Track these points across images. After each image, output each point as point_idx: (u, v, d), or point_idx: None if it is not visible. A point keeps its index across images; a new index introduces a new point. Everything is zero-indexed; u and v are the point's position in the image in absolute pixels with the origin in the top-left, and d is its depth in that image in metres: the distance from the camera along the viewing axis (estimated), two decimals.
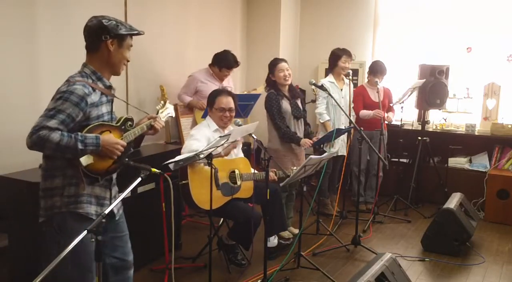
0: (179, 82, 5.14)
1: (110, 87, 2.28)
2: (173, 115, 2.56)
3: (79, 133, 2.08)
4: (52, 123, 2.02)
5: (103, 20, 2.18)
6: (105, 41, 2.18)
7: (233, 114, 3.62)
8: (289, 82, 4.12)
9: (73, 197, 2.16)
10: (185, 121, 5.05)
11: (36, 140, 1.99)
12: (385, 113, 4.97)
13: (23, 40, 3.66)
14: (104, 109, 2.24)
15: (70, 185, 2.16)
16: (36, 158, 3.50)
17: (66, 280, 2.15)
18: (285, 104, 4.10)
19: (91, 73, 2.21)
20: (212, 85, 4.61)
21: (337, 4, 6.18)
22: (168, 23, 4.98)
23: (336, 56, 4.75)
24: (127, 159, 2.30)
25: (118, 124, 2.28)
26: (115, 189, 2.38)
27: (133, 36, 2.29)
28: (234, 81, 5.29)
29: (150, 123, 2.37)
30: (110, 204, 2.26)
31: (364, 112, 4.95)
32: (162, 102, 2.54)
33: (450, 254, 3.99)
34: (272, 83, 4.15)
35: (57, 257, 1.66)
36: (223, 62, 4.64)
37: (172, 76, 5.08)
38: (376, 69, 4.95)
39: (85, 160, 2.13)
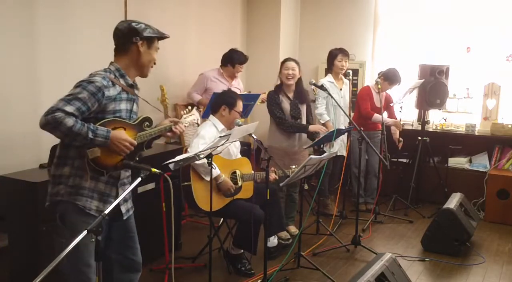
0: (179, 82, 5.15)
1: (132, 86, 2.34)
2: (198, 121, 2.61)
3: (92, 124, 2.13)
4: (69, 108, 2.07)
5: (133, 23, 2.29)
6: (135, 43, 2.27)
7: None
8: (290, 82, 4.11)
9: (75, 187, 2.20)
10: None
11: (50, 120, 2.04)
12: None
13: (23, 40, 3.66)
14: (123, 106, 2.28)
15: (76, 175, 2.20)
16: (36, 158, 3.53)
17: (64, 274, 2.19)
18: (285, 104, 4.11)
19: (115, 70, 2.29)
20: (221, 85, 4.71)
21: (337, 4, 6.18)
22: (168, 23, 4.97)
23: (332, 55, 4.77)
24: (137, 158, 2.32)
25: (135, 123, 2.31)
26: (123, 188, 2.37)
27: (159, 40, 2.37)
28: None
29: (170, 126, 2.40)
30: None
31: (379, 117, 4.87)
32: (190, 107, 2.59)
33: (450, 254, 3.99)
34: (280, 83, 4.20)
35: (57, 257, 1.66)
36: (236, 59, 4.84)
37: (172, 76, 5.09)
38: (393, 79, 4.93)
39: (92, 152, 2.15)
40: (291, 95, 4.16)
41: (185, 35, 5.25)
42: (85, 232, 1.77)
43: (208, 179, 3.29)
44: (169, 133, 2.43)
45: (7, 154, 3.53)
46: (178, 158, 2.86)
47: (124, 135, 2.20)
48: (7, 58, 3.57)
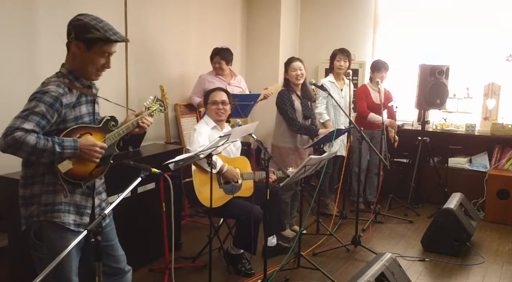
0: (179, 82, 5.15)
1: (89, 86, 2.18)
2: (164, 110, 2.41)
3: (56, 136, 1.99)
4: (28, 125, 1.92)
5: (76, 20, 2.10)
6: (71, 42, 2.09)
7: (227, 107, 3.65)
8: (300, 81, 4.17)
9: (49, 205, 2.06)
10: (185, 121, 5.06)
11: (11, 142, 1.89)
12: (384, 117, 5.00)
13: (23, 40, 3.66)
14: (84, 110, 2.13)
15: (48, 192, 2.07)
16: None
17: None
18: (297, 104, 4.14)
19: (68, 73, 2.11)
20: (218, 85, 4.68)
21: (337, 4, 6.18)
22: (168, 23, 4.98)
23: (333, 56, 4.83)
24: (111, 161, 2.20)
25: (100, 125, 2.17)
26: (100, 197, 2.27)
27: (120, 42, 2.15)
28: None
29: (137, 121, 2.25)
30: (92, 213, 2.20)
31: (374, 117, 4.92)
32: (152, 97, 2.39)
33: (450, 254, 3.99)
34: (286, 82, 4.22)
35: (51, 263, 1.62)
36: (210, 56, 4.88)
37: (172, 76, 5.09)
38: (378, 66, 4.99)
39: (63, 166, 2.02)
40: (299, 94, 4.19)
41: (185, 35, 5.25)
42: (85, 232, 1.76)
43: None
44: (136, 129, 2.27)
45: (7, 154, 3.52)
46: (178, 158, 2.87)
47: (92, 141, 2.05)
48: (7, 59, 3.57)
